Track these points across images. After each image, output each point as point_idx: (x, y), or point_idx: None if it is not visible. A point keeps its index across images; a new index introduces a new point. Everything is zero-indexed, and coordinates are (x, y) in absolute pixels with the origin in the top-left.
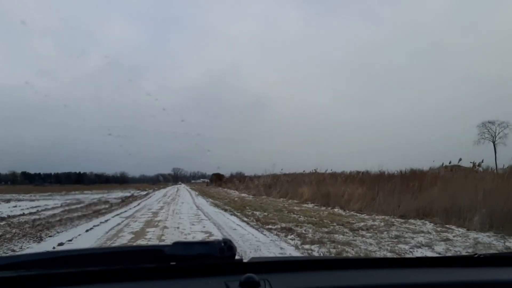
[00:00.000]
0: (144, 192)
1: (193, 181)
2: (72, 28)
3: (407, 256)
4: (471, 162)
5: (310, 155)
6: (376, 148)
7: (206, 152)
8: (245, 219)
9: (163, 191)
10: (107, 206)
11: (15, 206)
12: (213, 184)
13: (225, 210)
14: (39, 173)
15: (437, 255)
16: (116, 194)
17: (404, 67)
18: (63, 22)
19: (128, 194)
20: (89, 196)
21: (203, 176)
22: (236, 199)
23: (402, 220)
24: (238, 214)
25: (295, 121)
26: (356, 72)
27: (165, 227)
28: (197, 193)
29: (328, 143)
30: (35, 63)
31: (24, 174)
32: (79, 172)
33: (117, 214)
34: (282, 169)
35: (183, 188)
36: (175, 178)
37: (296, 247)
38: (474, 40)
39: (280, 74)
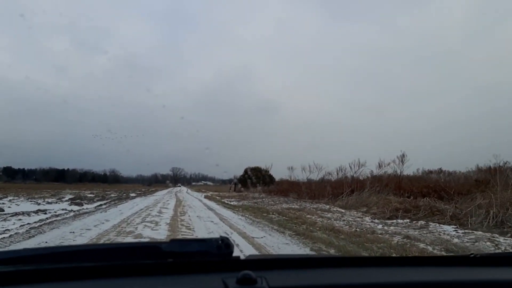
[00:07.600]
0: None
1: (193, 183)
2: (78, 25)
3: (404, 255)
4: None
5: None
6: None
7: (205, 150)
8: None
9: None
10: None
11: None
12: (243, 188)
13: None
14: (23, 169)
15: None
16: None
17: (417, 74)
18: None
19: None
20: None
21: (204, 178)
22: None
23: None
24: None
25: (301, 126)
26: (367, 79)
27: None
28: None
29: (333, 148)
30: (38, 59)
31: (7, 169)
32: (67, 169)
33: None
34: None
35: (189, 198)
36: (174, 179)
37: None
38: (486, 50)
39: (290, 79)
